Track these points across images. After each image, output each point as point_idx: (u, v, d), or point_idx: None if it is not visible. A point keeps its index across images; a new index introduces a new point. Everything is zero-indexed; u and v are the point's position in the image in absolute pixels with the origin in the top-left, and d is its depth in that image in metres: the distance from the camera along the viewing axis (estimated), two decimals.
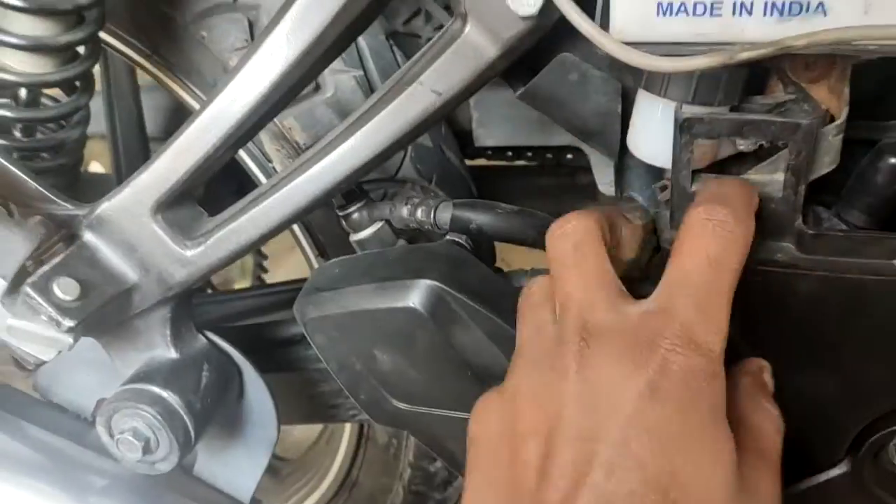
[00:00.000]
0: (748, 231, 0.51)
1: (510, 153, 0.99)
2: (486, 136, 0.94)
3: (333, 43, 0.59)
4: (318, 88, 0.78)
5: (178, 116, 1.07)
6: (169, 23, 0.76)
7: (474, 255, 0.64)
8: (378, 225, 0.65)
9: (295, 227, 0.86)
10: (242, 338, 0.74)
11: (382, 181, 0.79)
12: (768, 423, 0.53)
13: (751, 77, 0.56)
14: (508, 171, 1.04)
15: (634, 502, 0.44)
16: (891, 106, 0.62)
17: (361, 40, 0.82)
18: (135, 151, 1.00)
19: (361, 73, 0.79)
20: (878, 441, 0.60)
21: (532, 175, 1.02)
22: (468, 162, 0.97)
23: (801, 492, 0.61)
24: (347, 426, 1.01)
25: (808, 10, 0.49)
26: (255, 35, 0.76)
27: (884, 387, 0.58)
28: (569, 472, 0.45)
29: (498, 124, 0.95)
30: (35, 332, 0.54)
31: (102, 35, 0.75)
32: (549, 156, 1.00)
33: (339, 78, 0.78)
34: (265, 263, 1.25)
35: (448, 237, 0.66)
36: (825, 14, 0.49)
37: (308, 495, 1.08)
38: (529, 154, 0.99)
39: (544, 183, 1.02)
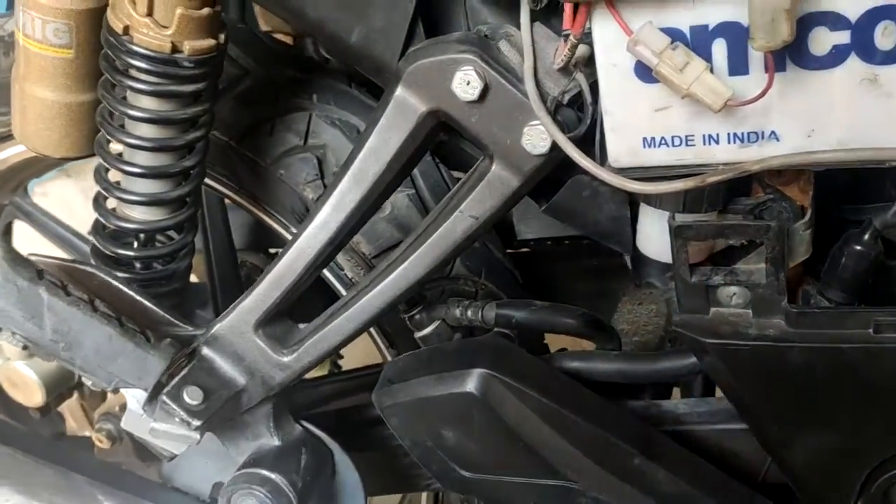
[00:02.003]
0: None
1: (549, 242, 1.11)
2: (526, 230, 1.07)
3: (393, 178, 0.73)
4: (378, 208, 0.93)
5: (258, 231, 1.23)
6: (253, 165, 0.92)
7: (518, 344, 0.76)
8: (436, 324, 0.78)
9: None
10: (331, 422, 0.87)
11: (439, 280, 0.92)
12: None
13: (735, 184, 0.68)
14: (551, 256, 1.16)
15: None
16: (867, 191, 0.73)
17: None
18: (225, 263, 1.16)
19: (413, 191, 0.93)
20: (883, 485, 0.69)
21: (572, 258, 1.14)
22: (512, 251, 1.10)
23: None
24: (424, 494, 1.12)
25: (763, 137, 0.61)
26: (323, 170, 0.91)
27: (877, 438, 0.67)
28: None
29: (536, 219, 1.08)
30: (171, 431, 0.69)
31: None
32: (585, 241, 1.11)
33: (395, 197, 0.93)
34: (340, 351, 1.38)
35: (495, 330, 0.78)
36: (778, 140, 0.61)
37: None
38: (567, 242, 1.11)
39: (584, 265, 1.13)
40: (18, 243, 1.32)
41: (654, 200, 0.69)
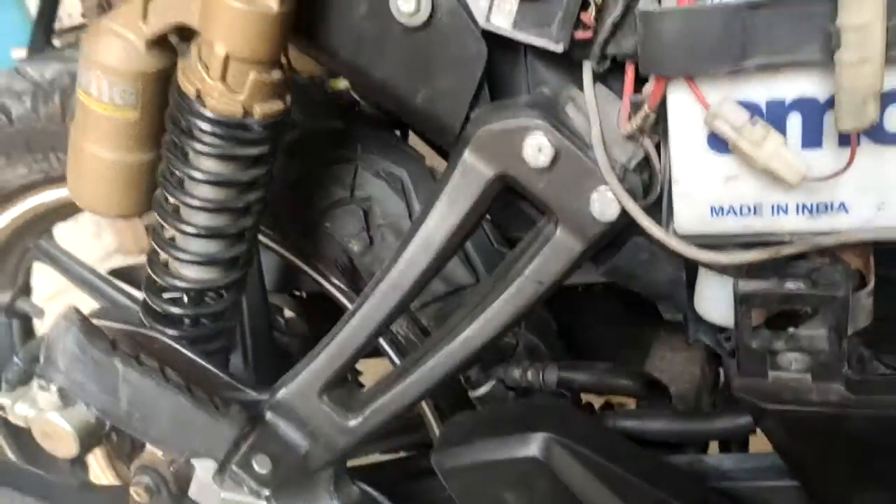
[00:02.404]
0: None
1: (579, 289, 1.11)
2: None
3: (458, 243, 0.73)
4: None
5: (285, 273, 1.22)
6: (302, 218, 0.92)
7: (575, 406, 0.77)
8: (492, 383, 0.78)
9: None
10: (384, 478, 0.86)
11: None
12: None
13: None
14: (581, 301, 1.16)
15: None
16: None
17: None
18: (256, 306, 1.14)
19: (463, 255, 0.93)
20: None
21: (601, 302, 1.14)
22: None
23: None
24: None
25: (832, 209, 0.62)
26: (369, 222, 0.91)
27: None
28: None
29: None
30: (241, 501, 0.67)
31: None
32: (614, 286, 1.12)
33: None
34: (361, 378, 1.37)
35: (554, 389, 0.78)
36: (846, 211, 0.62)
37: None
38: (598, 288, 1.11)
39: (613, 309, 1.13)
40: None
41: (719, 267, 0.69)
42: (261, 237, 0.96)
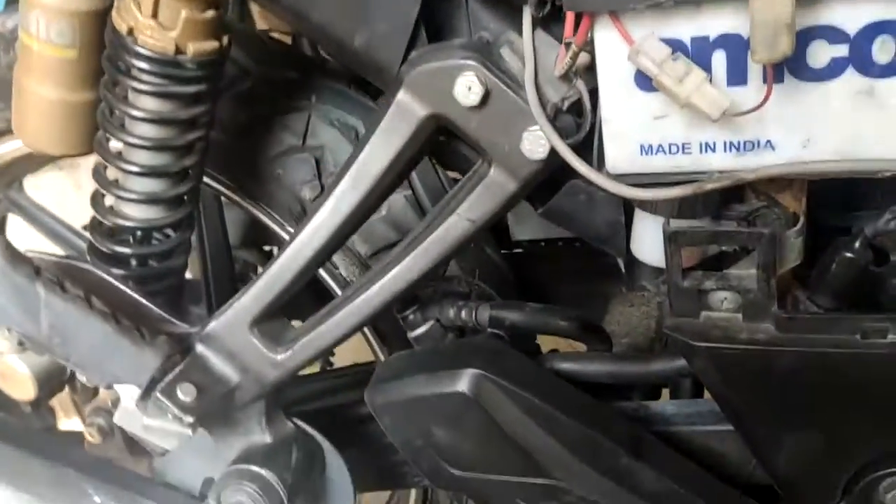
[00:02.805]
0: None
1: (542, 243, 1.11)
2: (520, 231, 1.07)
3: (392, 181, 0.73)
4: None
5: (253, 229, 1.22)
6: (251, 164, 0.92)
7: (511, 345, 0.76)
8: (430, 324, 0.78)
9: None
10: (322, 419, 0.87)
11: (438, 283, 0.92)
12: None
13: (729, 191, 0.68)
14: (544, 257, 1.16)
15: None
16: (858, 199, 0.73)
17: None
18: (220, 261, 1.15)
19: (410, 193, 0.93)
20: (866, 485, 0.70)
21: (565, 259, 1.14)
22: (507, 251, 1.11)
23: None
24: (413, 492, 1.12)
25: (759, 146, 0.61)
26: (321, 170, 0.91)
27: (861, 439, 0.68)
28: None
29: (530, 221, 1.08)
30: (164, 427, 0.68)
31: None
32: (577, 244, 1.12)
33: (392, 198, 0.92)
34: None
35: (488, 331, 0.78)
36: (773, 149, 0.61)
37: None
38: (560, 243, 1.11)
39: (576, 266, 1.13)
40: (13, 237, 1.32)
41: (650, 206, 0.69)
42: (221, 189, 0.97)
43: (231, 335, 0.73)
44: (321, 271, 0.95)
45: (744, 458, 0.76)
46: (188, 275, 1.35)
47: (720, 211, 0.69)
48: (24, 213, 1.22)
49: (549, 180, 0.74)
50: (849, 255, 0.65)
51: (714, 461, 0.77)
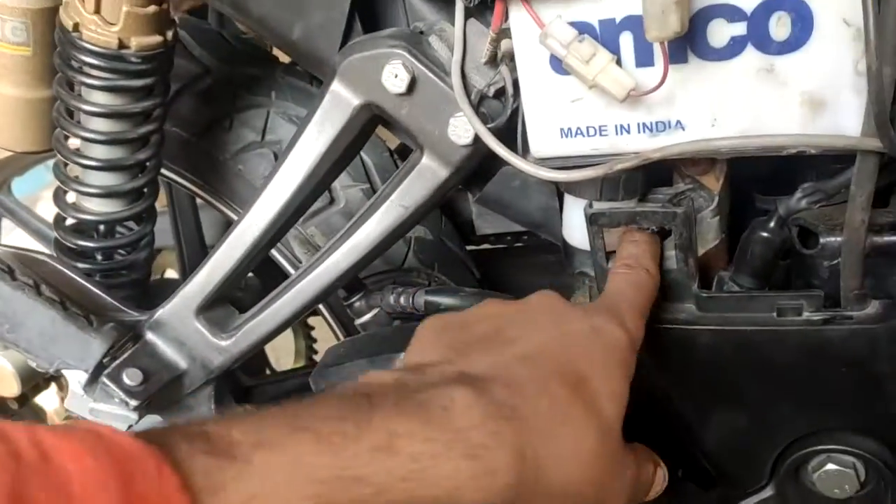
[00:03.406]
0: (655, 279, 0.66)
1: (509, 238, 1.13)
2: (485, 226, 1.09)
3: (330, 169, 0.76)
4: (332, 201, 0.95)
5: (227, 226, 1.26)
6: (213, 160, 0.95)
7: None
8: (375, 311, 0.80)
9: (329, 316, 1.02)
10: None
11: (391, 272, 0.95)
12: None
13: (654, 173, 0.70)
14: (510, 252, 1.18)
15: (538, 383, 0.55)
16: (781, 180, 0.74)
17: (367, 157, 0.99)
18: (196, 258, 1.19)
19: (368, 185, 0.96)
20: (794, 463, 0.71)
21: (531, 253, 1.16)
22: (474, 247, 1.13)
23: None
24: None
25: (670, 127, 0.63)
26: None
27: (786, 417, 0.69)
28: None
29: (494, 216, 1.10)
30: (110, 411, 0.71)
31: (166, 172, 0.95)
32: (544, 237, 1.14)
33: (349, 192, 0.95)
34: (315, 346, 1.42)
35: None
36: (683, 129, 0.63)
37: None
38: (525, 237, 1.13)
39: (542, 260, 1.15)
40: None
41: (574, 189, 0.71)
42: (189, 185, 1.01)
43: (178, 322, 0.76)
44: (287, 266, 0.99)
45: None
46: (171, 273, 1.40)
47: (645, 194, 0.71)
48: (12, 215, 1.27)
49: (483, 168, 0.76)
50: (764, 234, 0.66)
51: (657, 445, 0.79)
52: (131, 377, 0.71)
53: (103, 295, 0.76)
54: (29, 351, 0.72)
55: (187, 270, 1.18)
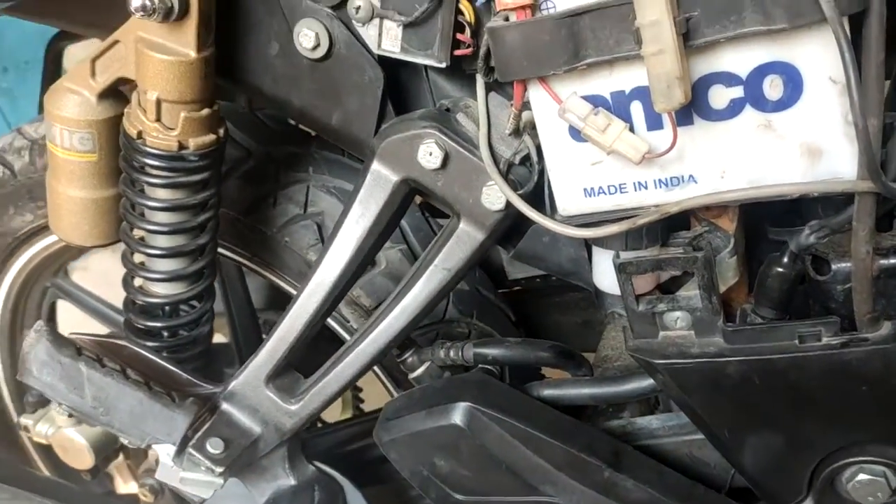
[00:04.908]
0: None
1: (538, 280, 1.21)
2: (515, 271, 1.17)
3: (376, 240, 0.83)
4: (374, 264, 1.03)
5: (274, 293, 1.34)
6: (262, 234, 1.04)
7: (518, 379, 0.86)
8: (426, 365, 0.88)
9: (378, 369, 1.10)
10: (349, 461, 0.97)
11: (434, 324, 1.02)
12: None
13: (673, 221, 0.77)
14: (541, 293, 1.25)
15: None
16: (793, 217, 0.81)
17: (402, 221, 1.07)
18: (246, 324, 1.27)
19: (405, 246, 1.04)
20: (828, 476, 0.77)
21: (560, 293, 1.23)
22: (506, 290, 1.20)
23: None
24: None
25: (683, 181, 0.70)
26: (322, 235, 1.02)
27: (816, 435, 0.75)
28: None
29: None
30: (198, 479, 0.79)
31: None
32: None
33: (388, 253, 1.03)
34: (361, 395, 1.49)
35: (480, 367, 0.88)
36: (696, 182, 0.70)
37: None
38: (554, 279, 1.20)
39: (571, 298, 1.22)
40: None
41: (601, 242, 0.78)
42: (240, 259, 1.09)
43: (250, 392, 0.84)
44: (336, 326, 1.06)
45: (724, 462, 0.84)
46: (221, 339, 1.49)
47: (666, 240, 0.78)
48: (70, 297, 1.36)
49: (515, 225, 0.84)
50: (779, 269, 0.73)
51: (698, 468, 0.85)
52: (214, 446, 0.79)
53: (179, 372, 0.84)
54: (122, 430, 0.80)
55: (238, 334, 1.27)
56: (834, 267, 0.74)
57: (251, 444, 0.82)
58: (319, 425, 1.43)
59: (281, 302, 1.33)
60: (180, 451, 0.79)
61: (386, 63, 0.81)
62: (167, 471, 0.82)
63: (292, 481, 0.85)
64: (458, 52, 0.77)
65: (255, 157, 1.05)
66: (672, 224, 0.78)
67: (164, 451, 0.81)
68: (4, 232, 1.20)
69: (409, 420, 0.82)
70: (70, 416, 0.97)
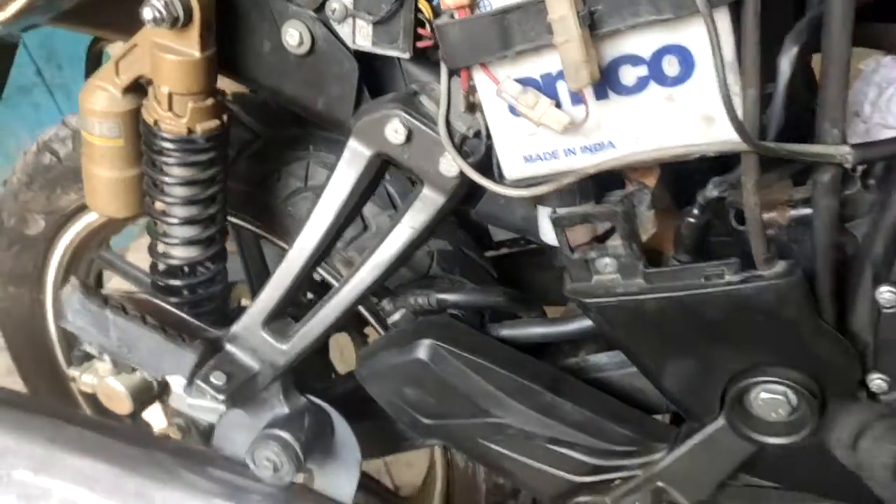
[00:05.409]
0: None
1: (522, 241, 1.32)
2: (498, 234, 1.29)
3: (354, 205, 0.96)
4: (366, 228, 1.16)
5: None
6: (270, 206, 1.18)
7: (465, 321, 0.99)
8: (401, 311, 1.01)
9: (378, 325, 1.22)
10: (347, 402, 1.10)
11: (418, 280, 1.15)
12: None
13: (605, 180, 0.89)
14: (526, 254, 1.36)
15: None
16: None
17: (391, 188, 1.20)
18: None
19: (394, 211, 1.17)
20: (736, 396, 0.86)
21: (539, 254, 1.34)
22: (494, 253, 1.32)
23: (696, 446, 0.90)
24: (439, 464, 1.34)
25: (604, 146, 0.81)
26: None
27: (722, 360, 0.85)
28: None
29: None
30: (203, 405, 0.93)
31: (235, 219, 1.18)
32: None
33: (378, 219, 1.15)
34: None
35: (448, 312, 1.01)
36: (615, 147, 0.81)
37: None
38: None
39: (548, 258, 1.32)
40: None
41: (542, 201, 0.90)
42: (254, 228, 1.23)
43: (248, 334, 0.96)
44: (334, 282, 1.19)
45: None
46: (246, 303, 1.63)
47: (601, 198, 0.90)
48: (113, 267, 1.53)
49: (472, 190, 0.96)
50: (690, 219, 0.84)
51: (637, 396, 0.97)
52: (217, 378, 0.93)
53: (191, 319, 0.98)
54: (142, 365, 0.94)
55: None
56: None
57: (250, 379, 0.95)
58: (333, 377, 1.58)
59: None
60: (189, 382, 0.93)
61: (362, 55, 0.94)
62: (178, 399, 0.97)
63: (286, 410, 0.99)
64: (420, 45, 0.89)
65: (262, 138, 1.19)
66: (609, 184, 0.90)
67: (176, 383, 0.96)
68: (54, 210, 1.36)
69: (383, 357, 0.95)
70: (114, 365, 1.12)
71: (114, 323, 0.90)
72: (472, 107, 0.89)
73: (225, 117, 0.98)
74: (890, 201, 0.79)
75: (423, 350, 0.91)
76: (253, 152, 1.17)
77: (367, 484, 1.53)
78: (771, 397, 0.85)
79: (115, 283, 1.56)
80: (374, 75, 0.98)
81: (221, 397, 0.92)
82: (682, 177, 0.91)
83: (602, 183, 0.88)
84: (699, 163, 0.82)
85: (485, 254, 1.26)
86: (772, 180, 0.86)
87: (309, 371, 1.06)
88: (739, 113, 0.75)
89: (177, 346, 0.91)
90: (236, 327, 0.96)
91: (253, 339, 0.97)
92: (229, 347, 0.96)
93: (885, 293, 0.78)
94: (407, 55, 0.89)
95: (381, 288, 1.00)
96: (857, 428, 0.84)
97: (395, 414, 0.96)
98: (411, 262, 1.11)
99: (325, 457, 1.01)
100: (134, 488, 0.96)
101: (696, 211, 0.84)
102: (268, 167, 1.17)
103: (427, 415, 0.95)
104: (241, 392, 0.94)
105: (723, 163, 0.83)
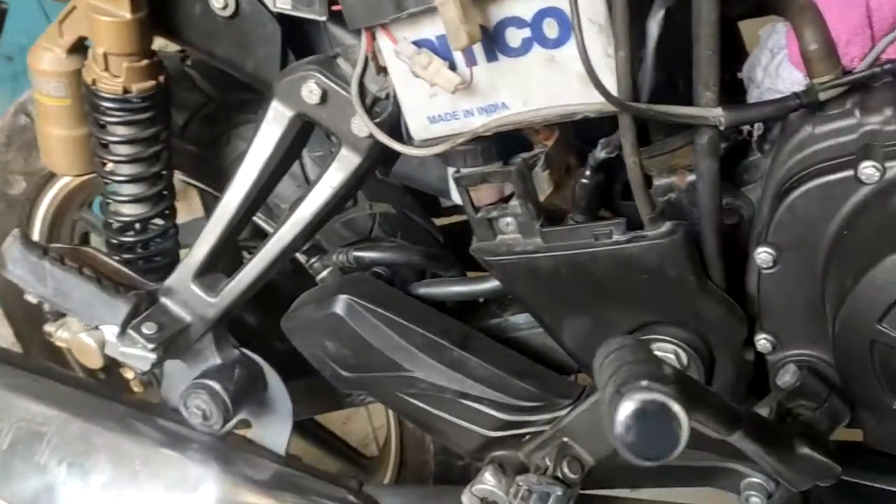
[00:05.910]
0: None
1: None
2: (445, 200, 1.34)
3: (278, 164, 1.02)
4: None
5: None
6: (219, 167, 1.25)
7: (387, 279, 1.05)
8: (329, 269, 1.07)
9: None
10: (289, 360, 1.18)
11: (357, 242, 1.21)
12: None
13: (510, 141, 0.93)
14: None
15: None
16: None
17: None
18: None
19: None
20: None
21: None
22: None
23: (594, 403, 0.94)
24: (392, 425, 1.41)
25: (498, 108, 0.86)
26: None
27: (615, 316, 0.90)
28: None
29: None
30: (135, 353, 1.01)
31: (188, 179, 1.26)
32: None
33: None
34: None
35: (373, 269, 1.07)
36: (508, 108, 0.85)
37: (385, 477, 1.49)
38: None
39: None
40: None
41: (449, 161, 0.95)
42: (209, 189, 1.30)
43: (180, 287, 1.04)
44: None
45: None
46: None
47: (507, 159, 0.94)
48: (94, 229, 1.62)
49: (392, 150, 1.01)
50: (583, 180, 0.89)
51: (549, 354, 1.02)
52: (149, 328, 1.01)
53: (131, 273, 1.06)
54: (77, 313, 1.03)
55: None
56: (655, 182, 0.89)
57: (182, 330, 1.03)
58: None
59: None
60: (122, 331, 1.02)
61: (287, 19, 1.00)
62: (111, 346, 1.05)
63: (218, 360, 1.06)
64: (335, 8, 0.94)
65: (215, 102, 1.26)
66: (519, 146, 0.94)
67: (109, 332, 1.04)
68: (32, 171, 1.46)
69: (305, 311, 1.02)
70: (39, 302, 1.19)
71: (50, 273, 0.99)
72: (384, 69, 0.94)
73: (161, 78, 1.05)
74: (773, 164, 0.82)
75: (339, 305, 0.97)
76: (205, 115, 1.25)
77: (336, 445, 1.61)
78: (662, 355, 0.89)
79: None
80: (302, 38, 1.03)
81: (151, 346, 1.00)
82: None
83: (519, 145, 0.93)
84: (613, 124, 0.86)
85: (433, 219, 1.30)
86: (675, 145, 0.89)
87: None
88: (613, 74, 0.78)
89: (110, 297, 0.99)
90: (169, 281, 1.04)
91: (184, 292, 1.04)
92: (163, 300, 1.04)
93: (761, 253, 0.81)
94: (323, 17, 0.94)
95: (313, 247, 1.06)
96: None
97: (318, 366, 1.03)
98: (353, 223, 1.17)
99: (259, 408, 1.08)
100: (78, 431, 1.05)
101: (588, 172, 0.87)
102: (217, 129, 1.24)
103: (346, 367, 1.01)
104: (174, 343, 1.01)
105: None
